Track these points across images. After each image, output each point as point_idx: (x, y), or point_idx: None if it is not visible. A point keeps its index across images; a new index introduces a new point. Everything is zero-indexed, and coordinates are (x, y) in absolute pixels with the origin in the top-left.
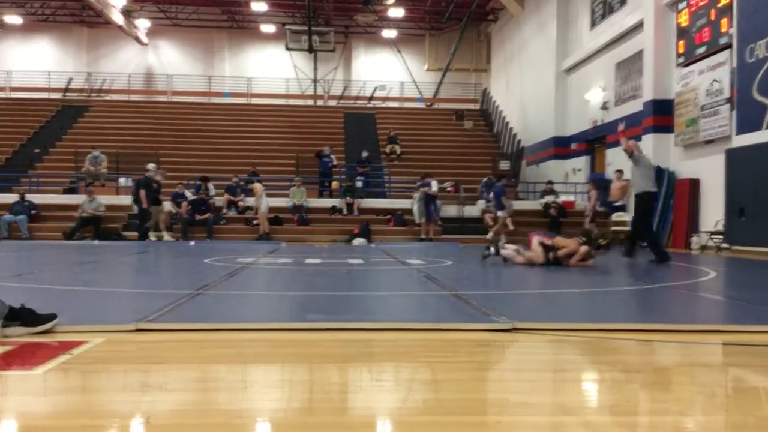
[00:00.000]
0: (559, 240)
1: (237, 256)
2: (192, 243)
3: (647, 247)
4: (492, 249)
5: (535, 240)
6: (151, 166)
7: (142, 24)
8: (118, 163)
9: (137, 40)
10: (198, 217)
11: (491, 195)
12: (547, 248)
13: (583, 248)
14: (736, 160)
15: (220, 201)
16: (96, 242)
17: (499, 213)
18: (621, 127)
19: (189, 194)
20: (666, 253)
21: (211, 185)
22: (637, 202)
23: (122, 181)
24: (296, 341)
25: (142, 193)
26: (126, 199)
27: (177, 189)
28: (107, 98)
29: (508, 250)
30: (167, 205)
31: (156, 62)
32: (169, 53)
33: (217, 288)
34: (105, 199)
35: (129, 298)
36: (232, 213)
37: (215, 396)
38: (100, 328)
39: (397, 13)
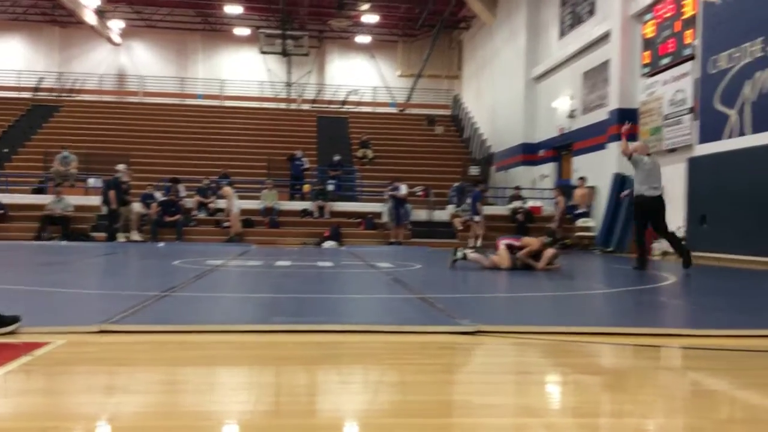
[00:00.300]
0: (526, 239)
1: (206, 258)
2: (161, 244)
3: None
4: (460, 253)
5: (502, 244)
6: (120, 166)
7: (115, 24)
8: (88, 164)
9: (110, 40)
10: (167, 218)
11: (468, 200)
12: (513, 249)
13: (549, 251)
14: (697, 168)
15: (190, 203)
16: (64, 243)
17: (476, 218)
18: (625, 127)
19: (159, 195)
20: (646, 261)
21: (181, 187)
22: (634, 207)
23: (91, 181)
24: (263, 343)
25: (112, 193)
26: (95, 200)
27: (147, 190)
28: (78, 98)
29: (476, 254)
30: (136, 206)
31: (128, 63)
32: (141, 54)
33: (184, 290)
34: (74, 199)
35: (94, 300)
36: (202, 215)
37: (180, 398)
38: (63, 329)
39: (371, 19)
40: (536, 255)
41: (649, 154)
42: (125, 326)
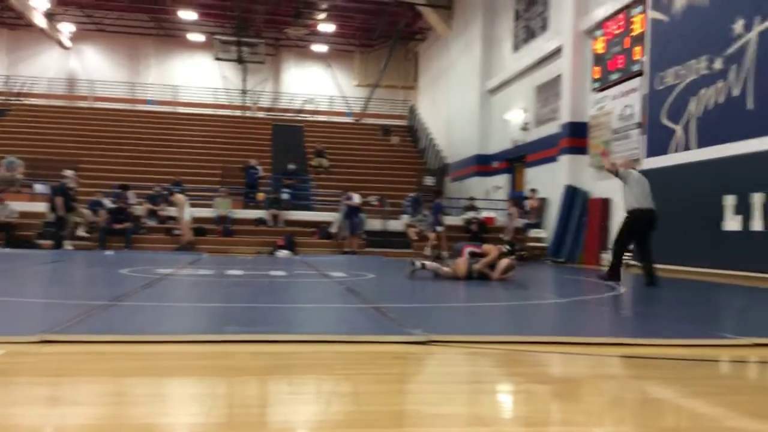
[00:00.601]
0: (486, 246)
1: (156, 266)
2: (109, 252)
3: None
4: (418, 263)
5: (466, 251)
6: (68, 172)
7: (66, 28)
8: (34, 169)
9: (60, 44)
10: (116, 226)
11: (425, 212)
12: (475, 255)
13: (504, 261)
14: None
15: (140, 210)
16: (7, 250)
17: (438, 228)
18: (602, 150)
19: (108, 202)
20: (618, 274)
21: (131, 194)
22: (633, 222)
23: (38, 187)
24: (212, 354)
25: (59, 200)
26: (41, 206)
27: (95, 197)
28: (26, 102)
29: (434, 263)
30: (85, 213)
31: (79, 67)
32: (92, 58)
33: (132, 299)
34: (19, 205)
35: (37, 309)
36: (152, 222)
37: (127, 410)
38: (2, 339)
39: (327, 28)
40: (493, 264)
41: (630, 168)
42: (68, 336)
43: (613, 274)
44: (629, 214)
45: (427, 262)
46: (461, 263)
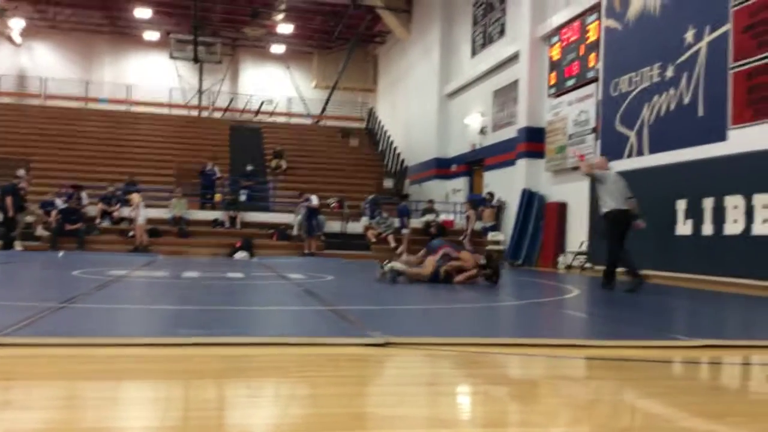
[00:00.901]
0: (464, 254)
1: (109, 268)
2: (61, 254)
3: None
4: (387, 266)
5: (441, 251)
6: (20, 172)
7: (16, 24)
8: None
9: (10, 40)
10: (68, 227)
11: (384, 214)
12: (450, 259)
13: (473, 272)
14: None
15: (93, 210)
16: None
17: (404, 231)
18: (577, 152)
19: (59, 202)
20: (613, 281)
21: (84, 194)
22: (610, 223)
23: None
24: (168, 357)
25: (9, 200)
26: None
27: (47, 197)
28: None
29: (401, 264)
30: (39, 213)
31: (30, 64)
32: (44, 55)
33: (84, 301)
34: None
35: None
36: (106, 224)
37: (80, 414)
38: None
39: (285, 29)
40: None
41: (605, 170)
42: (17, 339)
43: (608, 278)
44: (606, 216)
45: (396, 264)
46: (429, 263)
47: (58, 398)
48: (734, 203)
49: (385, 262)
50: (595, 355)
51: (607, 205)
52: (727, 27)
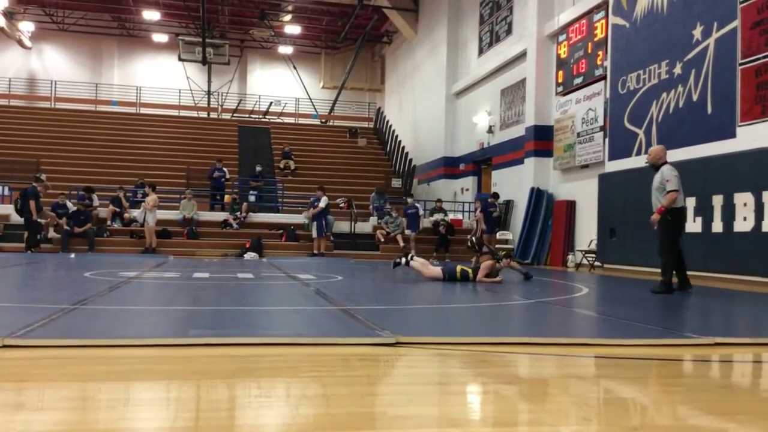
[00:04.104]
0: (484, 262)
1: (120, 269)
2: (72, 256)
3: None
4: (402, 259)
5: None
6: (42, 176)
7: (26, 27)
8: None
9: (20, 43)
10: (77, 229)
11: (395, 214)
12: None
13: (488, 262)
14: (608, 184)
15: (104, 212)
16: None
17: (408, 231)
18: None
19: (71, 205)
20: (670, 283)
21: (94, 196)
22: (678, 222)
23: None
24: (180, 357)
25: (32, 203)
26: (2, 209)
27: (58, 199)
28: None
29: (417, 262)
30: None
31: (40, 67)
32: (54, 58)
33: (96, 302)
34: None
35: None
36: (116, 225)
37: (92, 415)
38: None
39: (293, 30)
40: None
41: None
42: (30, 340)
43: (668, 284)
44: (681, 212)
45: (413, 261)
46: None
47: (71, 399)
48: (744, 200)
49: (410, 255)
50: (606, 354)
51: (681, 200)
52: (735, 23)
